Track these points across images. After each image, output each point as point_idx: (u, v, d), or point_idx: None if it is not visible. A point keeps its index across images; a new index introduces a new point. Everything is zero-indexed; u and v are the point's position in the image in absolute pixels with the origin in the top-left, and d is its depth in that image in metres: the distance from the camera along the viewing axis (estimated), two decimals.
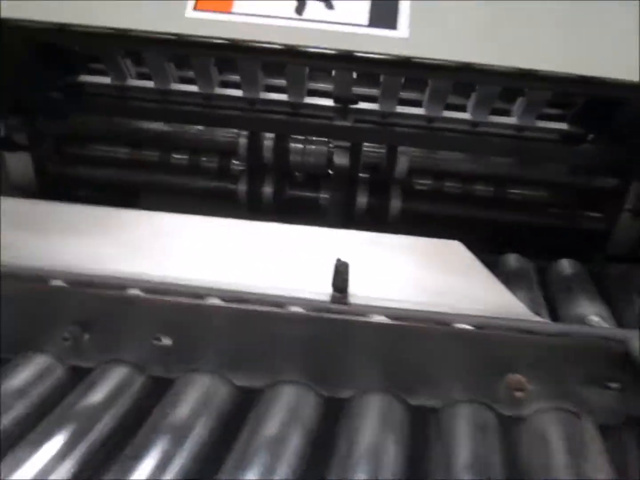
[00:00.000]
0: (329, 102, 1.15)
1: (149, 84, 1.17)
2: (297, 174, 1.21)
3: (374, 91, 1.19)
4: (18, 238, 0.78)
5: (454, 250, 0.85)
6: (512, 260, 1.11)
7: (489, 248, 1.10)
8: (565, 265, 1.11)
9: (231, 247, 0.83)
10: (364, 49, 0.76)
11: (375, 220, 1.19)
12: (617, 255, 1.20)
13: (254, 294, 0.72)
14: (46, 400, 0.66)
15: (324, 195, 1.19)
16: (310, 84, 1.17)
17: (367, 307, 0.72)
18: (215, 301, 0.71)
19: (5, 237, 0.76)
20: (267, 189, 1.20)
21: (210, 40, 0.96)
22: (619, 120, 1.11)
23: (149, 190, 1.31)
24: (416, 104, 1.18)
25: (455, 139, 1.16)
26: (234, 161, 1.24)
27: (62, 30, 0.91)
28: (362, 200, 1.18)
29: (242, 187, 1.21)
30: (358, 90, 1.17)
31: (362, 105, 1.14)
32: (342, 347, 0.69)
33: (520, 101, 1.15)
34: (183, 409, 0.63)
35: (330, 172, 1.20)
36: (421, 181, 1.22)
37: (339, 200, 1.16)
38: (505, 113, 1.20)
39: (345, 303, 0.72)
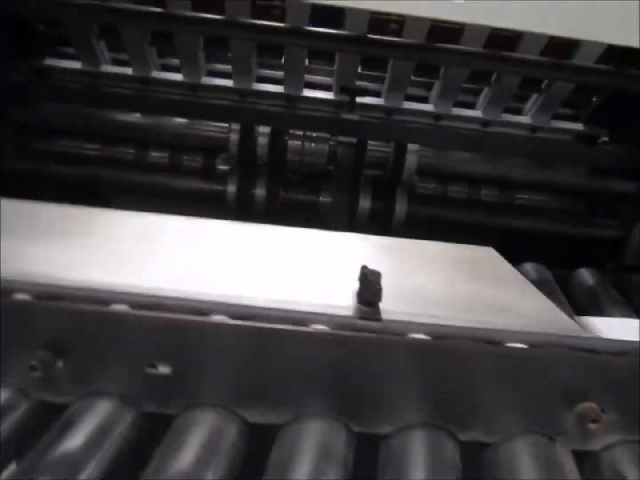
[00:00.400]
0: (329, 95, 1.05)
1: (127, 70, 1.04)
2: (293, 174, 1.09)
3: (375, 85, 1.09)
4: None
5: (488, 258, 0.75)
6: (530, 269, 1.03)
7: None
8: (586, 275, 1.03)
9: (233, 254, 0.70)
10: (414, 14, 0.66)
11: (378, 225, 1.09)
12: (633, 265, 1.13)
13: (267, 309, 0.60)
14: (9, 446, 0.52)
15: (323, 199, 1.08)
16: (309, 77, 1.06)
17: (403, 324, 0.60)
18: (221, 318, 0.58)
19: None
20: (260, 191, 1.08)
21: (199, 15, 0.84)
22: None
23: (123, 192, 1.17)
24: (423, 100, 1.10)
25: (465, 137, 1.08)
26: (222, 159, 1.11)
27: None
28: (365, 203, 1.07)
29: (231, 188, 1.08)
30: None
31: (366, 99, 1.04)
32: (376, 372, 0.57)
33: (534, 99, 1.08)
34: (187, 455, 0.50)
35: (329, 172, 1.09)
36: (428, 185, 1.13)
37: (342, 203, 1.05)
38: (517, 112, 1.12)
39: (378, 319, 0.60)
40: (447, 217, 1.12)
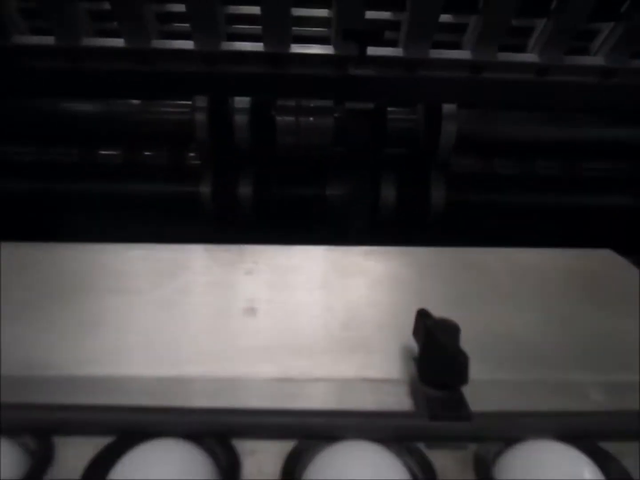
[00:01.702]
0: (329, 50, 0.76)
1: (47, 40, 0.76)
2: (287, 162, 0.82)
3: (390, 34, 0.81)
4: None
5: (609, 265, 0.48)
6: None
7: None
8: None
9: (221, 301, 0.43)
10: None
11: (410, 220, 0.81)
12: None
13: (266, 413, 0.33)
14: None
15: (331, 192, 0.80)
16: (297, 29, 0.78)
17: (512, 420, 0.33)
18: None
19: None
20: (245, 189, 0.80)
21: None
22: None
23: (71, 205, 0.89)
24: (456, 47, 0.81)
25: (516, 90, 0.80)
26: (192, 150, 0.84)
27: None
28: (389, 193, 0.79)
29: (205, 188, 0.81)
30: None
31: (380, 50, 0.76)
32: None
33: (608, 32, 0.79)
34: None
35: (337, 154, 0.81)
36: (470, 160, 0.85)
37: (357, 195, 0.77)
38: (584, 52, 0.84)
39: (465, 416, 0.33)
40: (499, 200, 0.84)
